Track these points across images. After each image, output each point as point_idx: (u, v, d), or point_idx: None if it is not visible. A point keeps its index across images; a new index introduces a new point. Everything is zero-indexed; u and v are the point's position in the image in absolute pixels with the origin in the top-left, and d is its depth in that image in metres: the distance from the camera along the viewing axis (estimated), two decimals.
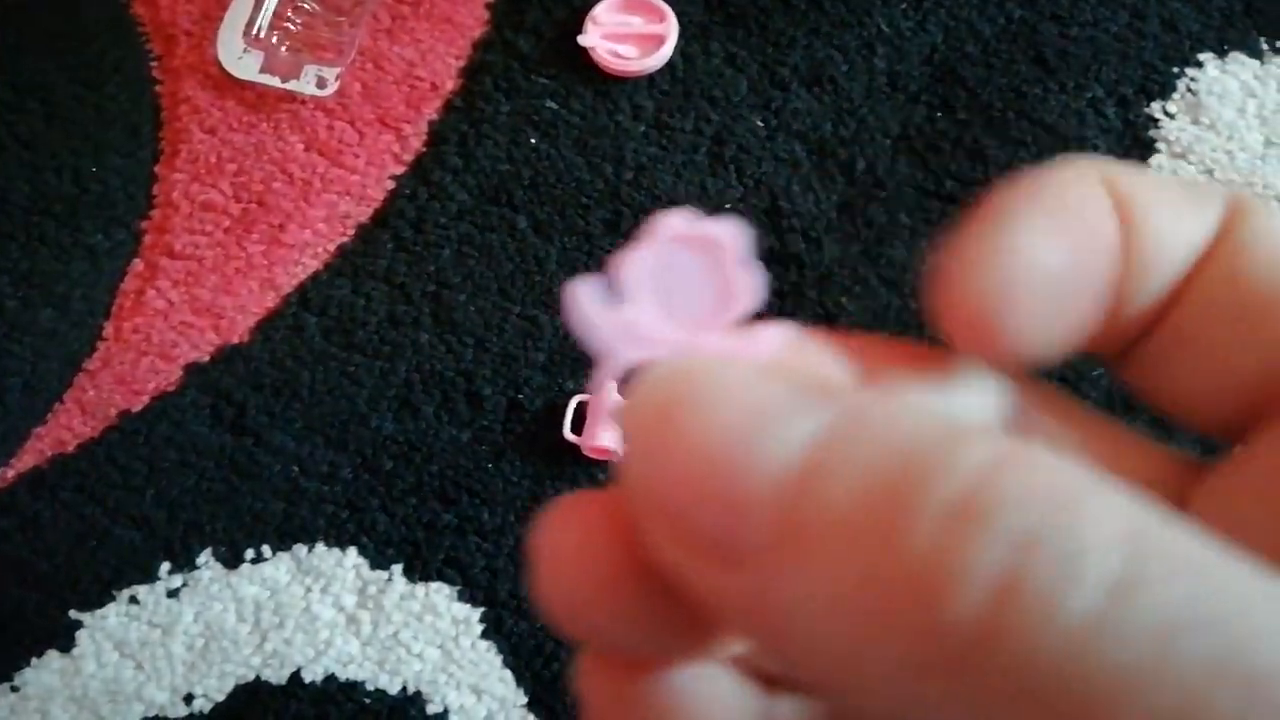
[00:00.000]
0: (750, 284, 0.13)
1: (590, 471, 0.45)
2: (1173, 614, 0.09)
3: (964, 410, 0.14)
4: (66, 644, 0.43)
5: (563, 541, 0.12)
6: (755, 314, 0.13)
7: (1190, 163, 0.49)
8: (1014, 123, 0.50)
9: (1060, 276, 0.13)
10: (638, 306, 0.13)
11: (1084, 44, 0.51)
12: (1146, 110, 0.50)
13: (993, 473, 0.09)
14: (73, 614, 0.43)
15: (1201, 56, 0.50)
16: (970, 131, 0.50)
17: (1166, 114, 0.50)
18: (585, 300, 0.13)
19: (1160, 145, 0.49)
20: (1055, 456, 0.10)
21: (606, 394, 0.45)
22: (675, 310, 0.13)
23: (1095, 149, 0.49)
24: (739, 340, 0.13)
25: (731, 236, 0.13)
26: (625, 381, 0.13)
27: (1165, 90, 0.50)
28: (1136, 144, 0.49)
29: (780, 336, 0.13)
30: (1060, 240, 0.13)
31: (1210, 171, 0.48)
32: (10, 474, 0.45)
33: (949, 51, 0.51)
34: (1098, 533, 0.09)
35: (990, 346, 0.13)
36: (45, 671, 0.43)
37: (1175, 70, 0.50)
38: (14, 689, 0.42)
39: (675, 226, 0.13)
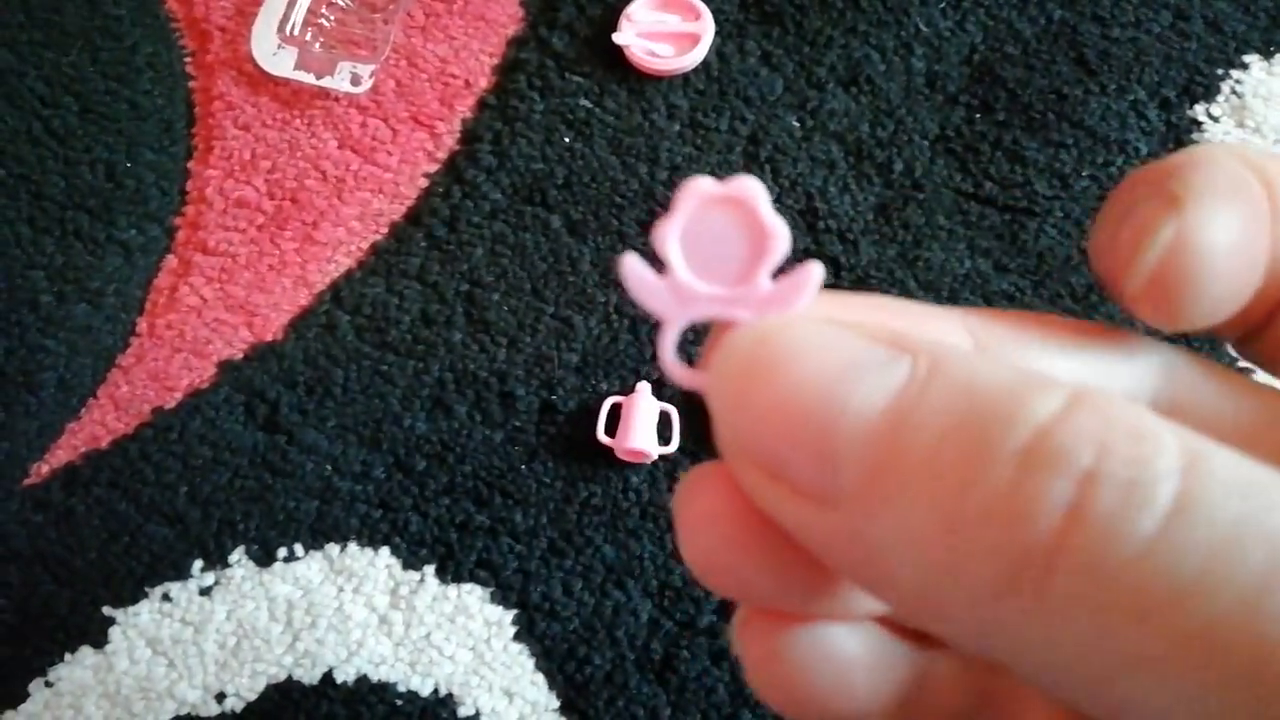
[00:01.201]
0: (781, 229, 0.14)
1: (623, 474, 0.44)
2: (1228, 531, 0.10)
3: (1105, 378, 0.15)
4: (100, 640, 0.43)
5: (696, 506, 0.13)
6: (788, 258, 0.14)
7: None
8: (1054, 125, 0.49)
9: (1233, 252, 0.13)
10: (685, 269, 0.14)
11: (1126, 45, 0.50)
12: (1190, 113, 0.49)
13: (1062, 417, 0.11)
14: (106, 610, 0.43)
15: (1247, 58, 0.50)
16: (1010, 133, 0.49)
17: (1210, 117, 0.49)
18: (637, 270, 0.14)
19: None
20: (1119, 399, 0.11)
21: (640, 396, 0.44)
22: (719, 265, 0.14)
23: (1137, 152, 0.49)
24: (784, 283, 0.14)
25: (755, 188, 0.14)
26: (685, 347, 0.14)
27: (1209, 93, 0.49)
28: (1179, 147, 0.48)
29: (819, 273, 0.14)
30: (1234, 218, 0.13)
31: None
32: (44, 469, 0.46)
33: (988, 52, 0.51)
34: (1155, 463, 0.10)
35: (1169, 315, 0.14)
36: (79, 667, 0.43)
37: (1219, 72, 0.50)
38: (48, 684, 0.42)
39: (703, 188, 0.14)
